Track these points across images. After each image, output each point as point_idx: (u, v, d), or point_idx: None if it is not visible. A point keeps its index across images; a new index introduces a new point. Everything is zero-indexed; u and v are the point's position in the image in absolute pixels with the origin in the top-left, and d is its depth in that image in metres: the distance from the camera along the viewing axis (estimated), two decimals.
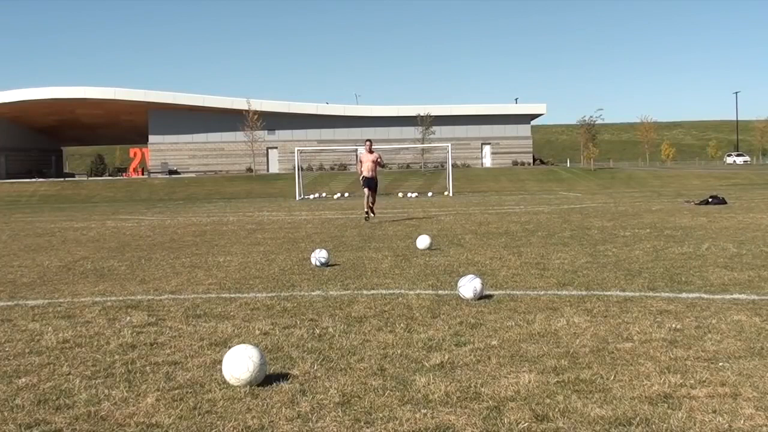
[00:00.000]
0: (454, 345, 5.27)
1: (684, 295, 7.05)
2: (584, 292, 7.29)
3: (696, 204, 23.51)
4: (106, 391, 4.37)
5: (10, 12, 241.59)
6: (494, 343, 5.30)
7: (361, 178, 18.99)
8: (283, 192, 50.99)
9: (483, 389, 4.19)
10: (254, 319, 6.40)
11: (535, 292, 7.38)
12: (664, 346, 5.05)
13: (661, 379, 4.29)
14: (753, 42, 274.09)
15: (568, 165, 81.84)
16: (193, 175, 70.30)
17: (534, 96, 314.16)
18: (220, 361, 4.61)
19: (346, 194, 45.69)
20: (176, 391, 4.32)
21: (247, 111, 68.34)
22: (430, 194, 44.07)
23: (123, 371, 4.80)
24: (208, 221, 22.10)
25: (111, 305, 7.33)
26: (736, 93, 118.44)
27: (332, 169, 71.54)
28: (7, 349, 5.56)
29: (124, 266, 10.67)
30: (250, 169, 70.48)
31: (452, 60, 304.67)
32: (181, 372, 4.75)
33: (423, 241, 11.66)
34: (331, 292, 7.77)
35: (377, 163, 18.67)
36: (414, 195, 42.70)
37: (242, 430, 3.68)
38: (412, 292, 7.49)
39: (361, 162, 18.84)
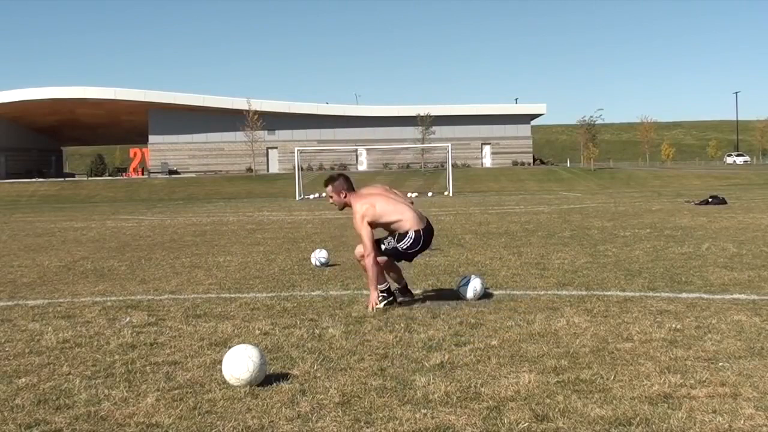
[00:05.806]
0: (454, 345, 5.27)
1: (684, 295, 7.04)
2: (584, 292, 7.29)
3: (696, 204, 23.51)
4: (106, 391, 4.36)
5: (10, 12, 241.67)
6: (494, 343, 5.29)
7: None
8: (283, 192, 50.98)
9: (483, 389, 4.19)
10: (254, 319, 6.40)
11: (535, 292, 7.38)
12: (664, 346, 5.05)
13: (661, 379, 4.29)
14: (753, 42, 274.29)
15: (568, 165, 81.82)
16: (193, 175, 70.29)
17: (534, 96, 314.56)
18: (220, 361, 4.61)
19: None
20: (176, 391, 4.32)
21: (247, 111, 68.34)
22: (430, 194, 44.09)
23: (123, 371, 4.80)
24: (208, 221, 22.09)
25: (111, 305, 7.33)
26: (736, 93, 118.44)
27: (332, 169, 71.44)
28: (7, 349, 5.56)
29: (124, 266, 10.67)
30: (250, 169, 70.48)
31: (452, 60, 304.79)
32: (181, 372, 4.75)
33: None
34: (331, 292, 7.77)
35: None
36: (414, 195, 42.70)
37: (242, 430, 3.68)
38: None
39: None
